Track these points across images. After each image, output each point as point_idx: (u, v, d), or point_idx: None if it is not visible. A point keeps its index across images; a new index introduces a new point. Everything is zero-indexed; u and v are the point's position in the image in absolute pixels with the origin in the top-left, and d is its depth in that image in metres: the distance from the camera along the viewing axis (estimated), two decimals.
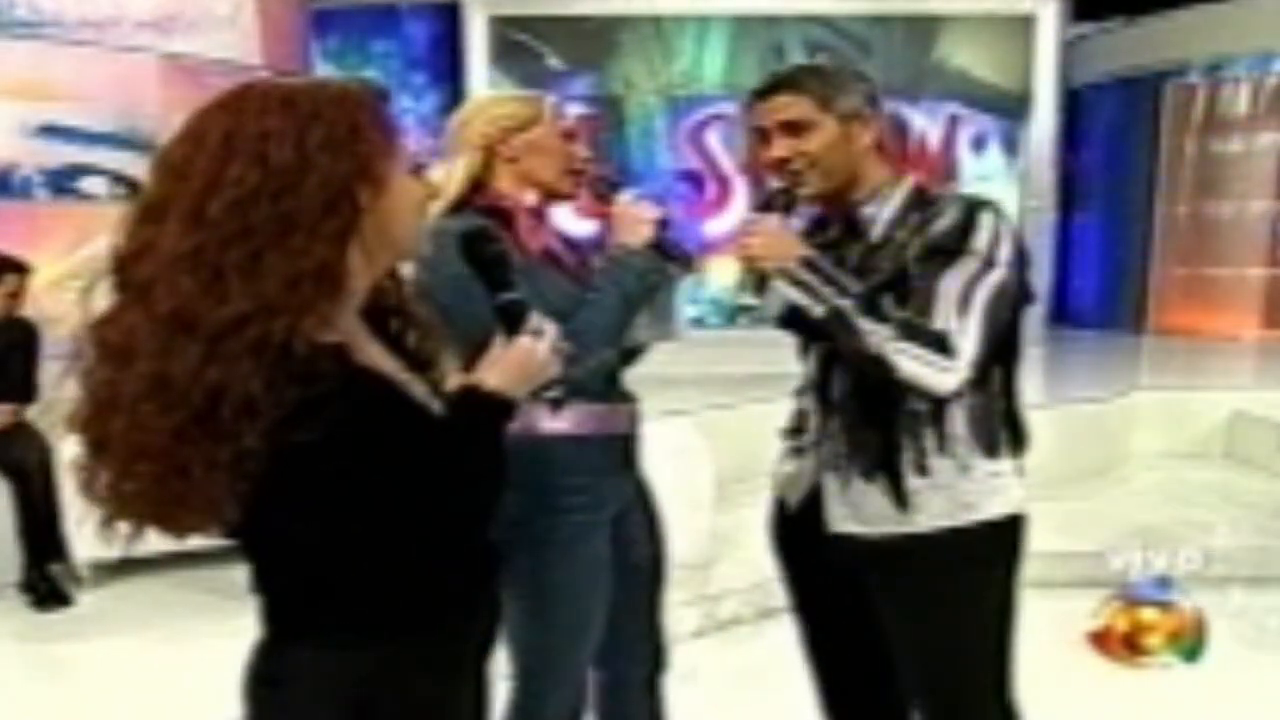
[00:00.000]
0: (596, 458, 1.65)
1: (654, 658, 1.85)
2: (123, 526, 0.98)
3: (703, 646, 3.02)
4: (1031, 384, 5.73)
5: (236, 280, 0.89)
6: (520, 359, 1.13)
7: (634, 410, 1.72)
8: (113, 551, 3.16)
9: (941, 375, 1.40)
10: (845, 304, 1.43)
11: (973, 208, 1.48)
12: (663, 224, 1.66)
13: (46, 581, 3.25)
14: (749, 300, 1.55)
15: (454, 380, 1.15)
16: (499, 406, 1.08)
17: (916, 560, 1.54)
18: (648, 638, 1.83)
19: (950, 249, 1.44)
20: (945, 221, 1.47)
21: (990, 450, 1.53)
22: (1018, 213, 7.02)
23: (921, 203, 1.55)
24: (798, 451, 1.68)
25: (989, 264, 1.43)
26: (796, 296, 1.46)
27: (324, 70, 7.28)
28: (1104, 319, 8.10)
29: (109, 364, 0.91)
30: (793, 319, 1.54)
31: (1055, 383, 6.20)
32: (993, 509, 1.54)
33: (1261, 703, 2.57)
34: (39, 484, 3.23)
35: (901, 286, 1.46)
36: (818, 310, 1.44)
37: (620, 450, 1.70)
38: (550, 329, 1.18)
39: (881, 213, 1.55)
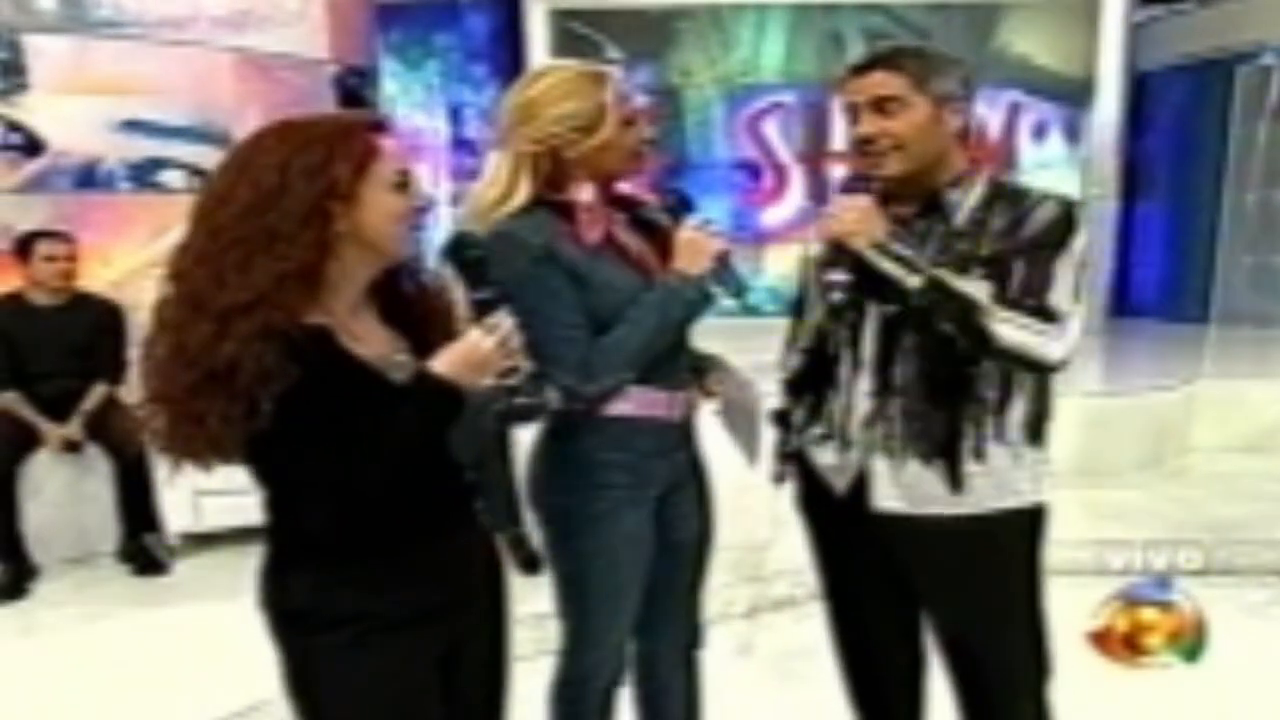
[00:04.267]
0: (645, 440, 1.68)
1: (690, 634, 1.88)
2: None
3: (757, 624, 3.12)
4: (1091, 373, 5.76)
5: (233, 275, 1.15)
6: (465, 350, 1.28)
7: (693, 395, 1.75)
8: (201, 524, 3.38)
9: (1050, 344, 1.46)
10: (941, 273, 1.48)
11: (1070, 207, 1.53)
12: (723, 256, 1.64)
13: (142, 551, 3.48)
14: (839, 276, 1.55)
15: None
16: (438, 388, 1.26)
17: (960, 541, 1.59)
18: (684, 614, 1.86)
19: (1056, 243, 1.50)
20: (1049, 216, 1.51)
21: (1034, 440, 1.60)
22: (1079, 201, 6.93)
23: (1003, 194, 1.57)
24: (826, 438, 1.68)
25: (1084, 263, 1.52)
26: (890, 268, 1.50)
27: (386, 64, 7.45)
28: (1166, 309, 7.93)
29: (154, 332, 1.19)
30: (871, 293, 1.56)
31: (1115, 372, 6.13)
32: (1034, 495, 1.60)
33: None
34: (132, 459, 3.44)
35: (998, 271, 1.50)
36: (913, 280, 1.48)
37: (671, 435, 1.72)
38: (506, 325, 1.30)
39: (966, 199, 1.57)
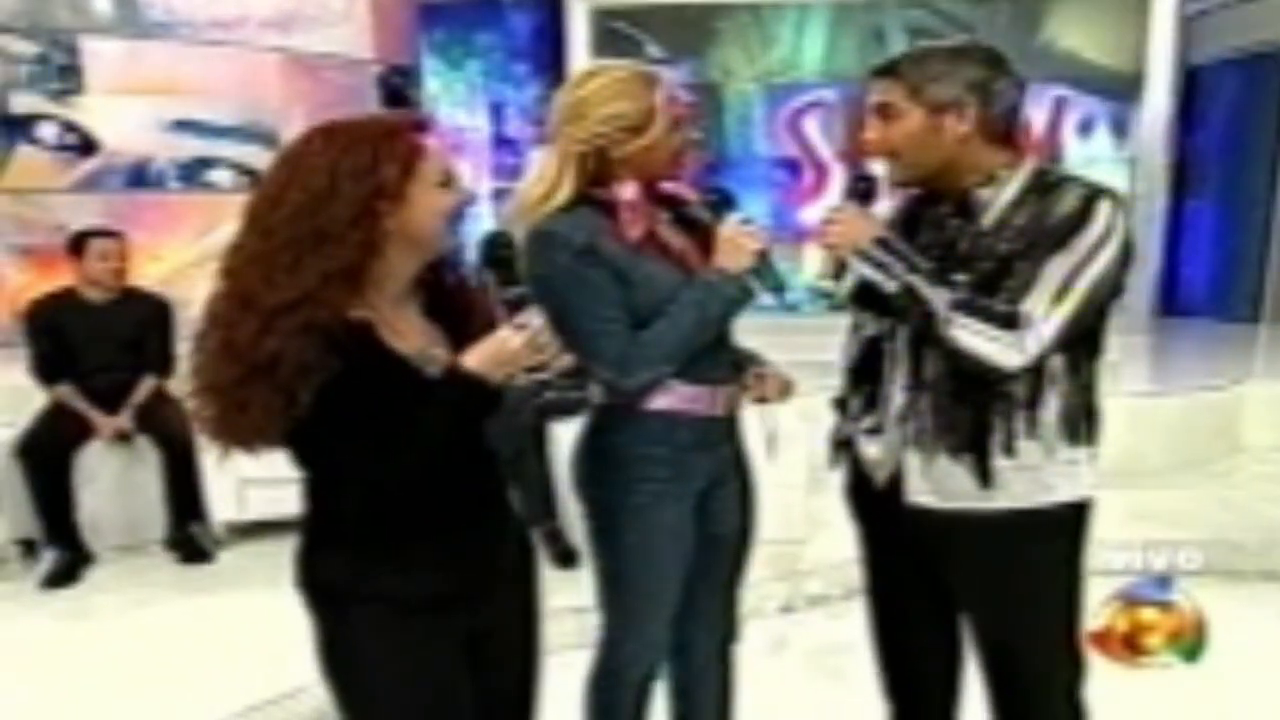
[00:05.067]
0: (686, 434, 1.69)
1: (726, 628, 1.89)
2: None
3: (792, 621, 3.12)
4: (1138, 372, 5.65)
5: (282, 275, 1.20)
6: (494, 347, 1.31)
7: (734, 392, 1.76)
8: (246, 514, 3.44)
9: (1006, 351, 1.46)
10: (914, 279, 1.50)
11: (1092, 197, 1.49)
12: (763, 254, 1.66)
13: (189, 540, 3.57)
14: (828, 285, 1.63)
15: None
16: (468, 383, 1.30)
17: (992, 536, 1.58)
18: (722, 608, 1.87)
19: (1061, 237, 1.47)
20: (1062, 209, 1.49)
21: (1073, 438, 1.57)
22: (1126, 199, 6.80)
23: (1041, 187, 1.54)
24: (872, 432, 1.69)
25: (1089, 260, 1.47)
26: (870, 274, 1.54)
27: (429, 62, 7.54)
28: (1217, 308, 7.77)
29: (205, 327, 1.25)
30: (867, 299, 1.60)
31: (1163, 372, 6.03)
32: (1069, 493, 1.58)
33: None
34: (180, 451, 3.52)
35: (1004, 270, 1.49)
36: (890, 286, 1.52)
37: (713, 430, 1.73)
38: (535, 324, 1.32)
39: (998, 197, 1.55)
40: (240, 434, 1.24)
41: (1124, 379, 5.35)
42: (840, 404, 1.80)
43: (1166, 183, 7.17)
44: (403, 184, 1.26)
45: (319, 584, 1.35)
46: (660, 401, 1.66)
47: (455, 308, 1.41)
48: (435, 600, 1.35)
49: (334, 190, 1.22)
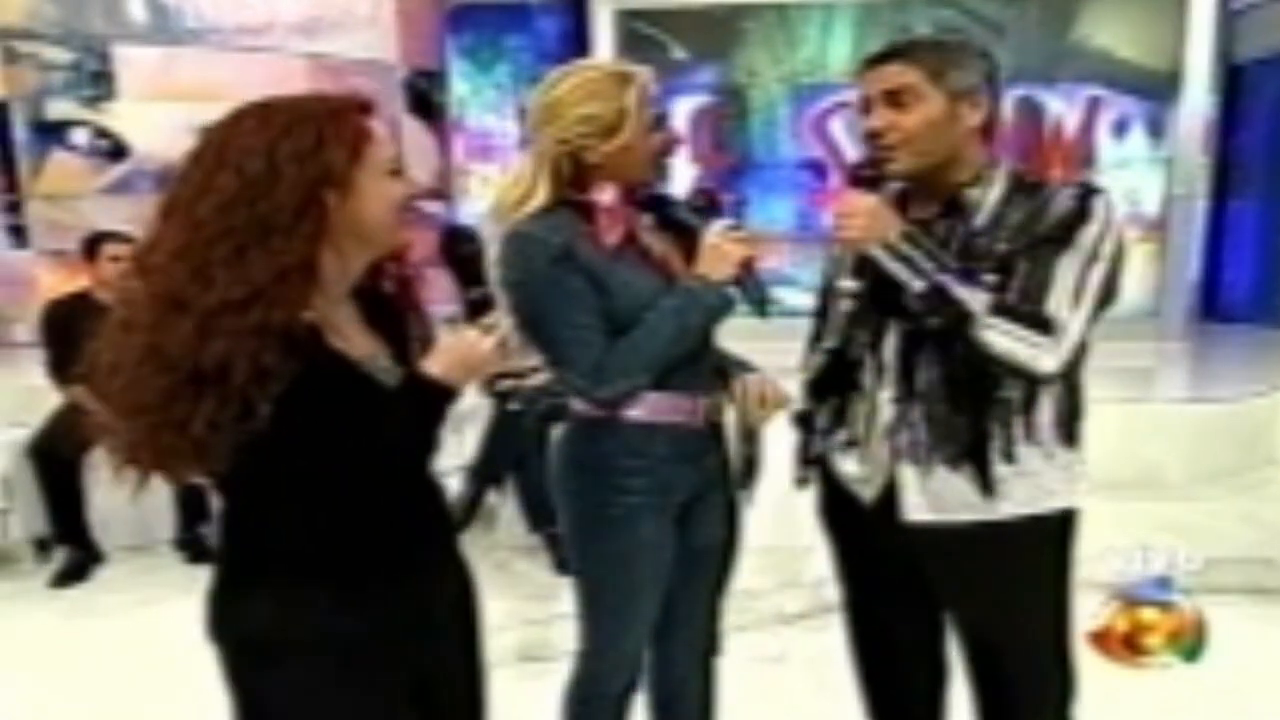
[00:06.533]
0: (665, 446, 1.64)
1: (708, 640, 1.85)
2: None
3: (796, 630, 3.07)
4: (1174, 380, 5.50)
5: (221, 271, 1.06)
6: (462, 350, 1.23)
7: (716, 402, 1.71)
8: None
9: (1039, 354, 1.42)
10: (945, 278, 1.43)
11: (1085, 197, 1.46)
12: (748, 263, 1.60)
13: (197, 540, 3.61)
14: (851, 285, 1.55)
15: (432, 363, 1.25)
16: (433, 390, 1.20)
17: (996, 547, 1.54)
18: (704, 620, 1.83)
19: (1061, 238, 1.44)
20: (1058, 210, 1.46)
21: (1068, 440, 1.54)
22: (1161, 200, 6.63)
23: (1025, 187, 1.51)
24: (850, 445, 1.64)
25: (1094, 257, 1.44)
26: (897, 270, 1.46)
27: (458, 65, 7.58)
28: (1260, 314, 7.52)
29: (117, 332, 1.09)
30: (882, 298, 1.52)
31: (1200, 380, 5.87)
32: (1069, 498, 1.55)
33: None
34: None
35: (1007, 271, 1.45)
36: (917, 284, 1.44)
37: (694, 441, 1.68)
38: (504, 325, 1.25)
39: (986, 196, 1.52)
40: (175, 458, 1.07)
41: (1159, 387, 5.22)
42: (804, 420, 1.74)
43: (1207, 184, 6.98)
44: (351, 170, 1.13)
45: (244, 636, 1.19)
46: (637, 411, 1.62)
47: (393, 314, 1.30)
48: (380, 640, 1.20)
49: (274, 175, 1.08)
